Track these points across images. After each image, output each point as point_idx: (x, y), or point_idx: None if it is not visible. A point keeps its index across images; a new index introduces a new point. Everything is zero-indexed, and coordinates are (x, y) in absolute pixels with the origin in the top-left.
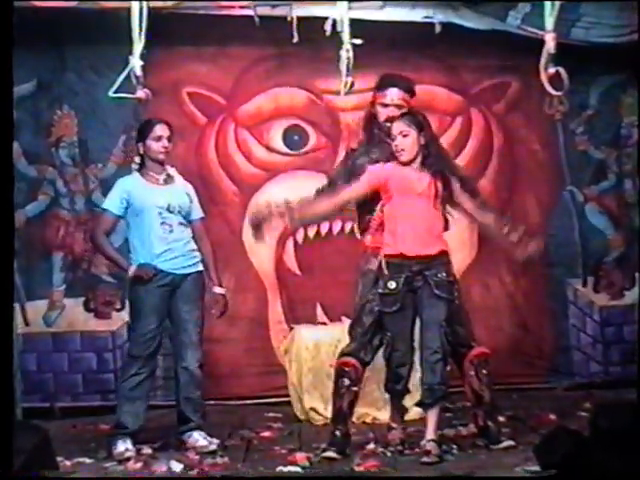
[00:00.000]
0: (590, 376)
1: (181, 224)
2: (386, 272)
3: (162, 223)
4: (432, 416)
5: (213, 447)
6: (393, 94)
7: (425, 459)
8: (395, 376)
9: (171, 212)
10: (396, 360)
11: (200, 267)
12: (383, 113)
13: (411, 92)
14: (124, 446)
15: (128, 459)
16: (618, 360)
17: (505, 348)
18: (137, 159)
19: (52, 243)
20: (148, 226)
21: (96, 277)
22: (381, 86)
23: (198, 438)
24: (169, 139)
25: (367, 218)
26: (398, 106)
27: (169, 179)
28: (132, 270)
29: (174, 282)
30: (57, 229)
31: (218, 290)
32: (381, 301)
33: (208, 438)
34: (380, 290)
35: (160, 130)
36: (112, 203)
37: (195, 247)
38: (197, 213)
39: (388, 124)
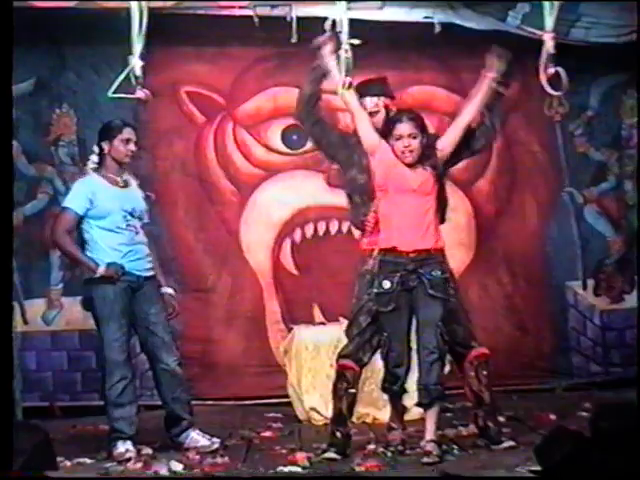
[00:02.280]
0: (590, 377)
1: (141, 227)
2: (377, 269)
3: (128, 226)
4: (431, 416)
5: (215, 446)
6: (365, 103)
7: (425, 459)
8: (391, 376)
9: (133, 216)
10: (392, 360)
11: (154, 271)
12: None
13: (385, 94)
14: (124, 447)
15: (128, 459)
16: (619, 363)
17: (504, 349)
18: (95, 158)
19: (50, 242)
20: (115, 228)
21: None
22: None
23: (199, 439)
24: (135, 143)
25: (362, 220)
26: (373, 113)
27: (127, 182)
28: (102, 270)
29: (136, 284)
30: None
31: (168, 290)
32: (376, 301)
33: (208, 437)
34: (375, 289)
35: (128, 133)
36: (75, 202)
37: (149, 251)
38: (146, 218)
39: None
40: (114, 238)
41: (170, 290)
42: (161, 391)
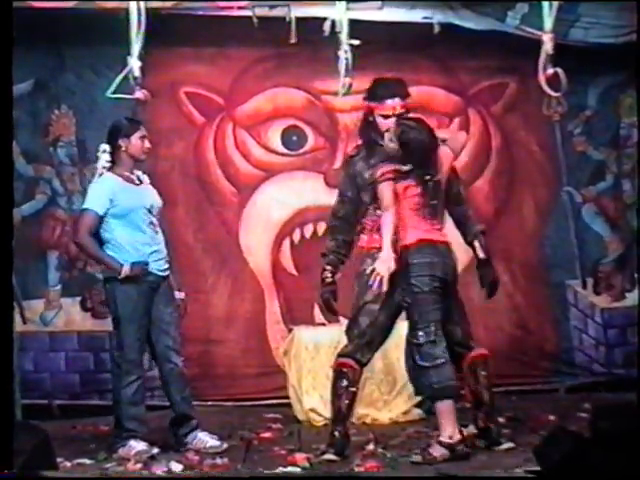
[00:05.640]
0: (594, 377)
1: (160, 225)
2: None
3: (150, 223)
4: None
5: (225, 446)
6: (396, 104)
7: (413, 458)
8: None
9: (151, 213)
10: None
11: (169, 271)
12: (384, 124)
13: (408, 96)
14: (141, 445)
15: (153, 457)
16: (622, 362)
17: (505, 349)
18: (108, 157)
19: (48, 242)
20: (137, 226)
21: (92, 276)
22: (381, 96)
23: (207, 439)
24: (149, 141)
25: (361, 220)
26: (399, 115)
27: (140, 180)
28: (126, 270)
29: (156, 284)
30: (53, 228)
31: (179, 295)
32: None
33: (216, 438)
34: None
35: (144, 130)
36: (96, 202)
37: (166, 251)
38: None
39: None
40: (137, 237)
41: (180, 294)
42: (169, 391)
